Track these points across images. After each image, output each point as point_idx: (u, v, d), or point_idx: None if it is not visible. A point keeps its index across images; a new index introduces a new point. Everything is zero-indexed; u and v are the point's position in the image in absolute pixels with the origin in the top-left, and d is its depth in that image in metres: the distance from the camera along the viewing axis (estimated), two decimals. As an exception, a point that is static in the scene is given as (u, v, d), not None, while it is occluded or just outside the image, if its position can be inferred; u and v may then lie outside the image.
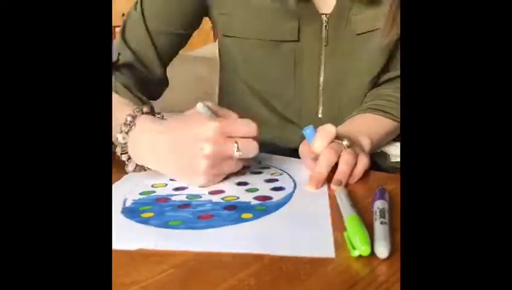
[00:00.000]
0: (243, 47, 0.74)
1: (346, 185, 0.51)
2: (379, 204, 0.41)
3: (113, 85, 0.64)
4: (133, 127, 0.53)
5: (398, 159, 0.73)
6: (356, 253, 0.35)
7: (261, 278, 0.32)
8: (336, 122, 0.68)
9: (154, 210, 0.45)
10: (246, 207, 0.45)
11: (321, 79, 0.73)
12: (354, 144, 0.57)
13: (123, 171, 0.54)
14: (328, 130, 0.54)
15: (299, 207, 0.45)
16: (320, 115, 0.75)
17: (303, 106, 0.75)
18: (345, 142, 0.55)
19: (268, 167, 0.58)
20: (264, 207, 0.45)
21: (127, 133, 0.53)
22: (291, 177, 0.54)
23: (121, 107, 0.57)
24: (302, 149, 0.58)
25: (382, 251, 0.34)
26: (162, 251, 0.36)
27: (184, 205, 0.46)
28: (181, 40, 0.77)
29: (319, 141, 0.54)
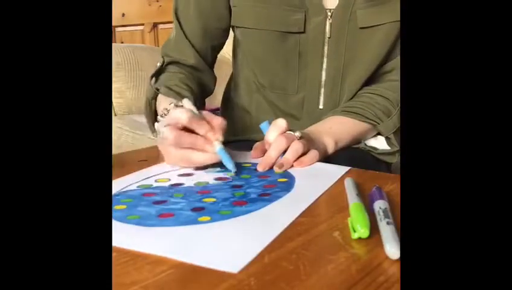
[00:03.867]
0: (250, 38, 0.78)
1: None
2: (381, 204, 0.41)
3: (158, 89, 0.74)
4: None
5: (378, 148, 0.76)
6: (355, 235, 0.37)
7: (261, 278, 0.32)
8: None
9: (132, 204, 0.46)
10: (212, 210, 0.44)
11: (323, 70, 0.76)
12: (310, 140, 0.63)
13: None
14: (280, 123, 0.61)
15: (260, 218, 0.42)
16: (321, 106, 0.78)
17: (305, 97, 0.78)
18: (297, 134, 0.60)
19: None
20: (230, 212, 0.43)
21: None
22: (293, 184, 0.52)
23: (164, 102, 0.67)
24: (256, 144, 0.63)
25: (394, 252, 0.34)
26: (162, 251, 0.36)
27: (160, 202, 0.46)
28: (221, 35, 0.82)
29: (271, 132, 0.60)
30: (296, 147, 0.58)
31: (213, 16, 0.79)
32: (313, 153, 0.60)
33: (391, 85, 0.75)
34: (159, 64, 0.80)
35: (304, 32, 0.73)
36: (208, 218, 0.42)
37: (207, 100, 0.87)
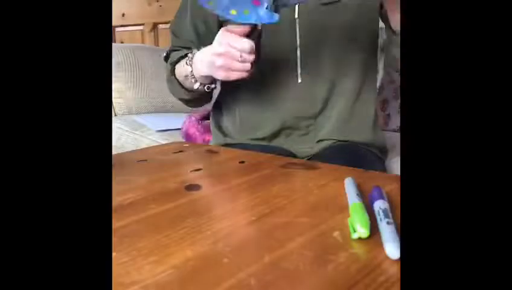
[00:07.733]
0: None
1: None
2: (380, 204, 0.41)
3: (169, 62, 0.88)
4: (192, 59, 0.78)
5: None
6: (355, 236, 0.37)
7: (261, 278, 0.32)
8: (316, 86, 0.84)
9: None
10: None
11: (298, 48, 0.82)
12: None
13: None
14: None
15: None
16: (299, 80, 0.83)
17: (281, 74, 0.83)
18: None
19: None
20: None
21: (190, 63, 0.78)
22: None
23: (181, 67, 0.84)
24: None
25: (394, 252, 0.34)
26: (161, 251, 0.36)
27: None
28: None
29: None
30: None
31: (202, 16, 0.86)
32: None
33: None
34: (164, 54, 0.91)
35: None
36: None
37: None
